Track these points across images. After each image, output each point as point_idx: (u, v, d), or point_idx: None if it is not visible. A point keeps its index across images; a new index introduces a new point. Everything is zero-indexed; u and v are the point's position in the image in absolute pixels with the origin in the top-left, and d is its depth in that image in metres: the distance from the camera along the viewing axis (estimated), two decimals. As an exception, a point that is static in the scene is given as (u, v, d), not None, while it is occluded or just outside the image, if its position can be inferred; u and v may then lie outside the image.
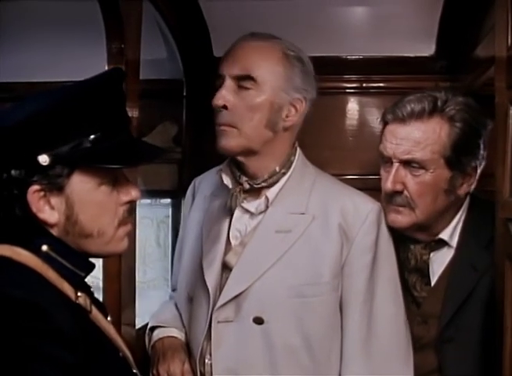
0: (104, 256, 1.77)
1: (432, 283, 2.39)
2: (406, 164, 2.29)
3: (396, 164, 2.30)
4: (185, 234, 2.41)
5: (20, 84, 2.98)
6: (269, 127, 2.14)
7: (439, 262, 2.39)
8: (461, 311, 2.30)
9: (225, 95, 2.11)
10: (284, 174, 2.19)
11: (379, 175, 2.40)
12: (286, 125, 2.16)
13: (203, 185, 2.40)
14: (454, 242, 2.37)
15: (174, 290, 2.51)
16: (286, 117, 2.15)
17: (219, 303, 2.12)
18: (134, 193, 1.64)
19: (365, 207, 2.18)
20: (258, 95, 2.11)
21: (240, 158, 2.16)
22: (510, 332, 1.97)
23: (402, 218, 2.31)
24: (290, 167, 2.20)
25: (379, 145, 2.38)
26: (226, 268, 2.18)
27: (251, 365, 2.11)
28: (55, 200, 1.54)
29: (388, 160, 2.33)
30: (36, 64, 3.04)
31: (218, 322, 2.12)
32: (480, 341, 2.27)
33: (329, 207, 2.16)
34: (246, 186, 2.17)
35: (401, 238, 2.40)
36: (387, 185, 2.30)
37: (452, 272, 2.36)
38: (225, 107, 2.11)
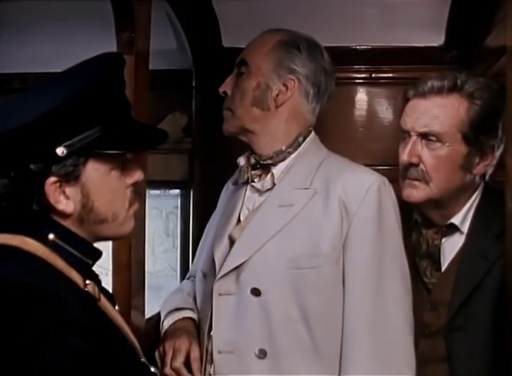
0: (116, 238, 1.81)
1: (442, 269, 2.39)
2: (424, 137, 2.32)
3: (414, 137, 2.33)
4: (211, 223, 2.49)
5: (32, 75, 2.99)
6: (256, 105, 2.26)
7: (450, 248, 2.39)
8: (470, 300, 2.30)
9: (227, 82, 2.31)
10: (290, 153, 2.26)
11: (388, 165, 2.41)
12: (278, 103, 2.26)
13: (231, 180, 2.50)
14: (465, 228, 2.38)
15: (189, 278, 2.54)
16: (277, 95, 2.26)
17: (219, 274, 2.16)
18: (138, 174, 1.67)
19: (367, 179, 2.18)
20: (248, 78, 2.27)
21: (242, 138, 2.29)
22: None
23: (417, 193, 2.33)
24: (298, 147, 2.27)
25: (400, 119, 2.43)
26: (232, 242, 2.23)
27: (249, 337, 2.12)
28: (69, 190, 1.55)
29: (407, 135, 2.35)
30: (47, 54, 3.05)
31: (220, 294, 2.16)
32: (489, 331, 2.27)
33: (332, 181, 2.18)
34: (252, 161, 2.26)
35: (413, 223, 2.43)
36: (404, 157, 2.33)
37: (463, 259, 2.36)
38: (225, 93, 2.30)
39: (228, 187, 2.47)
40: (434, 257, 2.40)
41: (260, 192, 2.26)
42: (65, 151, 1.51)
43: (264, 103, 2.26)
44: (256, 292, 2.11)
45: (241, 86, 2.27)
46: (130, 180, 1.66)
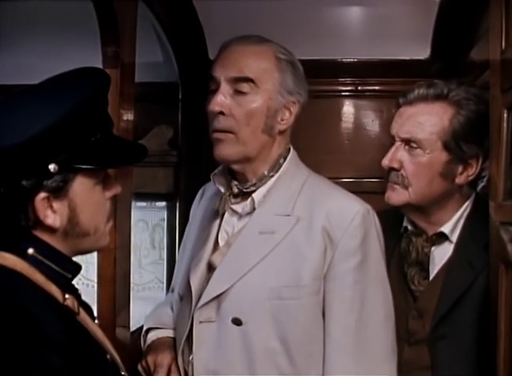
0: (92, 251, 1.80)
1: (430, 278, 2.39)
2: (407, 143, 2.34)
3: (398, 143, 2.35)
4: (187, 237, 2.41)
5: (17, 87, 2.98)
6: (266, 131, 2.11)
7: (439, 257, 2.39)
8: (455, 308, 2.30)
9: (222, 100, 2.06)
10: (272, 176, 2.15)
11: (374, 178, 2.41)
12: (282, 129, 2.14)
13: (208, 190, 2.39)
14: (455, 237, 2.38)
15: (172, 291, 2.52)
16: (281, 120, 2.13)
17: (200, 303, 2.11)
18: (116, 188, 1.69)
19: (351, 208, 2.11)
20: (255, 100, 2.08)
21: (235, 166, 2.14)
22: (504, 336, 1.96)
23: (396, 196, 2.35)
24: (278, 169, 2.17)
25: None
26: (211, 268, 2.16)
27: (230, 366, 2.08)
28: (57, 204, 1.56)
29: (393, 140, 2.38)
30: (32, 67, 3.04)
31: (200, 322, 2.11)
32: (473, 340, 2.27)
33: (315, 209, 2.11)
34: (235, 191, 2.16)
35: (403, 231, 2.44)
36: (384, 161, 2.36)
37: (450, 269, 2.36)
38: (221, 113, 2.06)
39: (204, 196, 2.37)
40: (423, 265, 2.40)
41: (239, 215, 2.17)
42: (57, 167, 1.52)
43: (272, 130, 2.11)
44: (237, 322, 2.06)
45: (247, 108, 2.07)
46: (109, 193, 1.67)
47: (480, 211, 2.37)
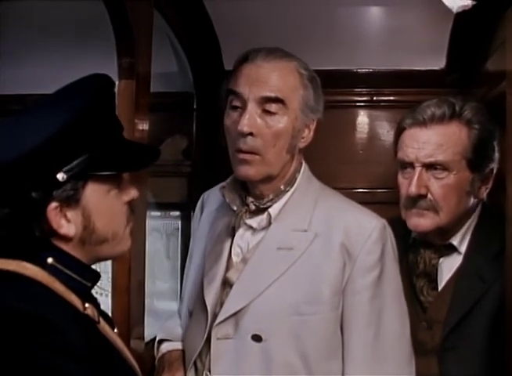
0: (114, 257, 1.82)
1: (439, 289, 2.39)
2: (429, 167, 2.31)
3: (419, 168, 2.32)
4: (193, 249, 2.40)
5: (31, 97, 3.00)
6: (290, 151, 2.11)
7: (448, 268, 2.39)
8: (465, 320, 2.30)
9: (252, 121, 2.03)
10: (288, 191, 2.15)
11: (388, 188, 2.40)
12: (301, 147, 2.15)
13: (211, 199, 2.38)
14: (463, 248, 2.39)
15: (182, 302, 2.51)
16: (302, 138, 2.13)
17: (219, 319, 2.10)
18: (134, 192, 1.69)
19: (368, 224, 2.11)
20: (283, 120, 2.06)
21: (257, 184, 2.13)
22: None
23: (426, 222, 2.33)
24: (294, 184, 2.16)
25: (394, 154, 2.41)
26: (227, 284, 2.15)
27: None
28: (70, 213, 1.56)
29: (409, 166, 2.34)
30: (47, 76, 3.05)
31: (218, 338, 2.09)
32: (482, 352, 2.27)
33: (333, 224, 2.11)
34: (253, 208, 2.15)
35: (412, 243, 2.43)
36: (412, 189, 2.31)
37: (459, 280, 2.36)
38: (251, 134, 2.04)
39: (212, 211, 2.34)
40: (431, 276, 2.40)
41: (254, 230, 2.16)
42: (65, 176, 1.52)
43: (295, 149, 2.11)
44: (257, 338, 2.05)
45: (274, 128, 2.05)
46: (126, 198, 1.67)
47: (488, 220, 2.38)
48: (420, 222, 2.33)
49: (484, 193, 2.37)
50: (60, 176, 1.51)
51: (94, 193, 1.58)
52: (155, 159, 1.71)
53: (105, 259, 1.73)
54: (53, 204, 1.53)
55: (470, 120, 2.32)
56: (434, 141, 2.30)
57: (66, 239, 1.58)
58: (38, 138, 1.48)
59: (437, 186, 2.30)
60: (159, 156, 1.71)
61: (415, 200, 2.33)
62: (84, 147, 1.55)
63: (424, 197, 2.31)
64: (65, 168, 1.52)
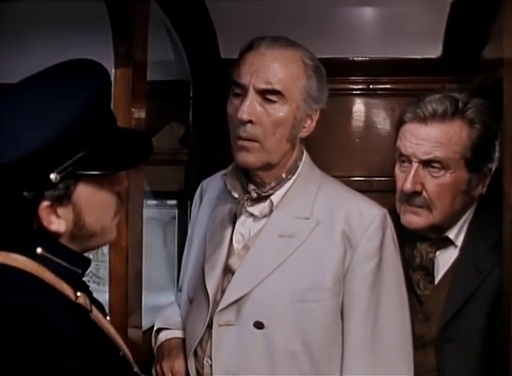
0: (99, 247, 1.80)
1: (436, 282, 2.39)
2: (426, 164, 2.30)
3: (416, 164, 2.31)
4: (192, 237, 2.41)
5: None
6: (290, 140, 2.13)
7: (444, 261, 2.39)
8: (462, 312, 2.30)
9: (251, 109, 2.06)
10: (290, 179, 2.18)
11: (385, 176, 2.40)
12: (303, 136, 2.17)
13: (210, 187, 2.39)
14: (459, 241, 2.38)
15: (180, 290, 2.51)
16: (303, 128, 2.15)
17: (220, 306, 2.12)
18: (125, 181, 1.69)
19: (369, 213, 2.14)
20: (283, 109, 2.08)
21: (257, 172, 2.16)
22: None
23: (420, 219, 2.33)
24: (295, 172, 2.19)
25: (395, 143, 2.40)
26: (229, 271, 2.17)
27: (252, 368, 2.10)
28: (61, 210, 1.56)
29: (406, 160, 2.33)
30: (45, 65, 3.04)
31: (219, 325, 2.12)
32: (479, 343, 2.27)
33: (334, 212, 2.14)
34: (254, 195, 2.17)
35: (408, 236, 2.42)
36: (407, 185, 2.30)
37: (456, 272, 2.36)
38: (250, 122, 2.07)
39: (212, 198, 2.36)
40: (428, 270, 2.40)
41: (255, 218, 2.18)
42: (58, 177, 1.51)
43: (295, 138, 2.15)
44: (259, 325, 2.08)
45: (274, 117, 2.07)
46: (117, 188, 1.67)
47: (483, 212, 2.37)
48: (414, 219, 2.34)
49: (480, 190, 2.36)
50: (53, 177, 1.51)
51: (86, 190, 1.58)
52: (148, 155, 1.69)
53: (92, 250, 1.72)
54: (45, 203, 1.53)
55: (473, 119, 2.29)
56: (433, 138, 2.28)
57: (56, 234, 1.58)
58: (35, 142, 1.47)
59: (432, 184, 2.30)
60: (151, 153, 1.70)
61: (409, 196, 2.33)
62: (78, 148, 1.54)
63: (419, 194, 2.31)
64: (58, 169, 1.51)
